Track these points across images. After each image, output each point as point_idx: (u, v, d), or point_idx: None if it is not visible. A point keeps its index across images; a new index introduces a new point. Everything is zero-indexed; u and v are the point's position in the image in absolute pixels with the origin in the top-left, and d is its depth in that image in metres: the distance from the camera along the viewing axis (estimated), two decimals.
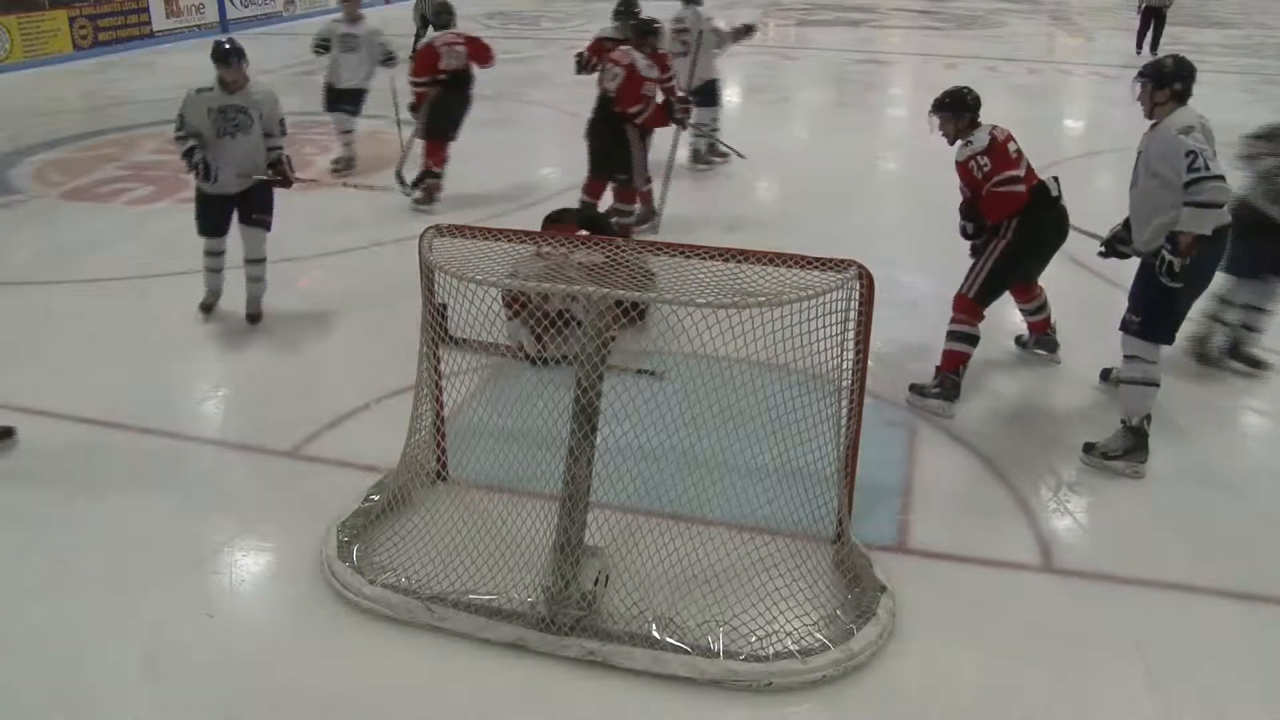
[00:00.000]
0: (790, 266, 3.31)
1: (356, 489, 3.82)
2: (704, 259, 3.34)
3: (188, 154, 5.18)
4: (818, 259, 3.40)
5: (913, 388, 4.69)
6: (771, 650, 3.03)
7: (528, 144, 9.58)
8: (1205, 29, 18.44)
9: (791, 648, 3.03)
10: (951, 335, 4.64)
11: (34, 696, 2.98)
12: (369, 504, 3.71)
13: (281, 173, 5.34)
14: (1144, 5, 14.59)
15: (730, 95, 12.07)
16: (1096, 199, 8.34)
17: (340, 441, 4.29)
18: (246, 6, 17.73)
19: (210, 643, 3.18)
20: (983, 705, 2.96)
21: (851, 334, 3.36)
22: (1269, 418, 4.75)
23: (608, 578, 3.25)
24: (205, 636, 3.20)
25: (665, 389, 3.49)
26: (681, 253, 3.33)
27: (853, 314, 3.32)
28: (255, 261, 5.48)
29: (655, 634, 3.09)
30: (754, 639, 3.07)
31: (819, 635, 3.08)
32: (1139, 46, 14.63)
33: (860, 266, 3.33)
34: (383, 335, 5.16)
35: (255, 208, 5.37)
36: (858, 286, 3.29)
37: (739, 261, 3.48)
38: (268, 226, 5.44)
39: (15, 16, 13.29)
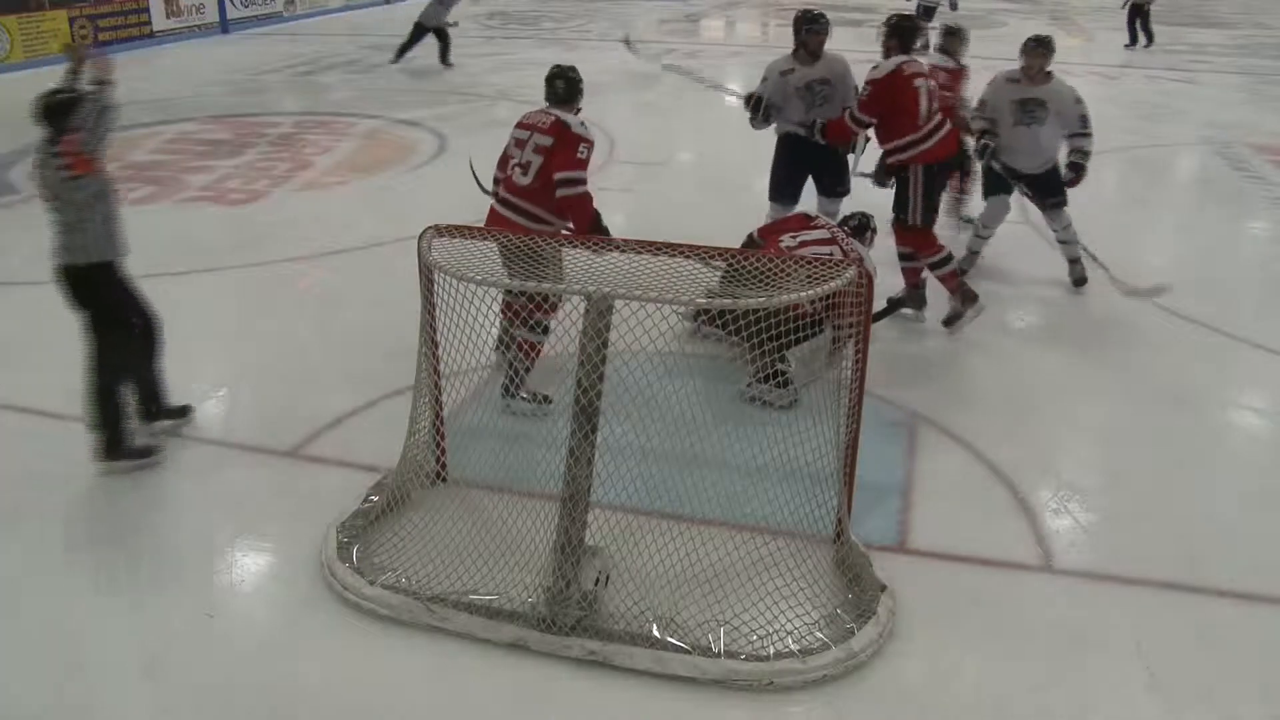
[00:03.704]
0: (790, 266, 3.31)
1: (356, 489, 3.82)
2: (703, 259, 3.35)
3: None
4: (817, 259, 3.40)
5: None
6: (772, 650, 3.03)
7: None
8: (1205, 29, 18.42)
9: (792, 647, 3.03)
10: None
11: (34, 696, 2.98)
12: (369, 504, 3.70)
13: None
14: (1128, 3, 15.50)
15: (731, 96, 12.07)
16: (1098, 198, 8.36)
17: (340, 441, 4.29)
18: (246, 6, 17.72)
19: (210, 643, 3.18)
20: (983, 705, 2.96)
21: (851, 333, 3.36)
22: (1268, 418, 4.75)
23: (608, 578, 3.25)
24: (205, 637, 3.20)
25: (666, 388, 3.48)
26: (681, 253, 3.33)
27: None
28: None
29: (656, 634, 3.08)
30: (755, 638, 3.06)
31: (819, 635, 3.08)
32: (1132, 39, 15.59)
33: (860, 266, 3.33)
34: (383, 335, 5.15)
35: None
36: (857, 286, 3.29)
37: (739, 261, 3.49)
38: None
39: (15, 16, 13.29)
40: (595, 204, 4.43)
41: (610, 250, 3.54)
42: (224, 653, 3.13)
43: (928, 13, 14.54)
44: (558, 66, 4.62)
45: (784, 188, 5.80)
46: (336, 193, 8.04)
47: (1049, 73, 5.73)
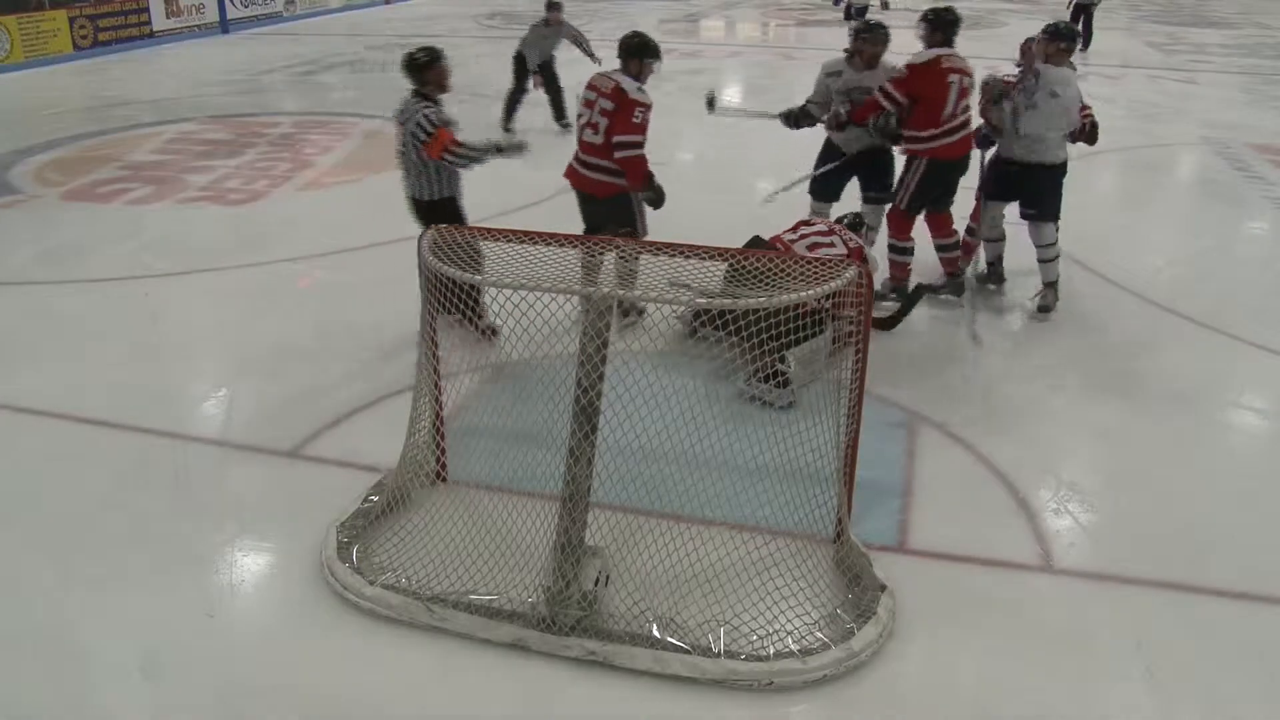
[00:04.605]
0: (790, 265, 3.31)
1: (356, 489, 3.82)
2: (704, 259, 3.34)
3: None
4: (817, 258, 3.40)
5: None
6: (772, 650, 3.03)
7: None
8: (1205, 29, 18.43)
9: (792, 647, 3.03)
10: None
11: (34, 695, 2.98)
12: (369, 504, 3.70)
13: None
14: (1073, 3, 15.25)
15: (731, 96, 12.08)
16: (1099, 197, 8.38)
17: (340, 441, 4.29)
18: (246, 6, 17.74)
19: (210, 643, 3.18)
20: (983, 705, 2.96)
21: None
22: (1268, 418, 4.75)
23: (608, 578, 3.25)
24: (205, 636, 3.20)
25: (667, 386, 3.48)
26: (681, 252, 3.33)
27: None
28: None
29: (656, 634, 3.08)
30: (755, 638, 3.07)
31: (819, 634, 3.08)
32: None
33: (860, 266, 3.33)
34: (382, 335, 5.16)
35: None
36: (858, 285, 3.28)
37: (740, 261, 3.49)
38: None
39: (15, 16, 13.30)
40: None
41: (611, 250, 3.54)
42: (224, 653, 3.13)
43: (859, 12, 14.48)
44: (631, 31, 5.18)
45: (825, 186, 5.94)
46: (336, 193, 8.04)
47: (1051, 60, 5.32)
